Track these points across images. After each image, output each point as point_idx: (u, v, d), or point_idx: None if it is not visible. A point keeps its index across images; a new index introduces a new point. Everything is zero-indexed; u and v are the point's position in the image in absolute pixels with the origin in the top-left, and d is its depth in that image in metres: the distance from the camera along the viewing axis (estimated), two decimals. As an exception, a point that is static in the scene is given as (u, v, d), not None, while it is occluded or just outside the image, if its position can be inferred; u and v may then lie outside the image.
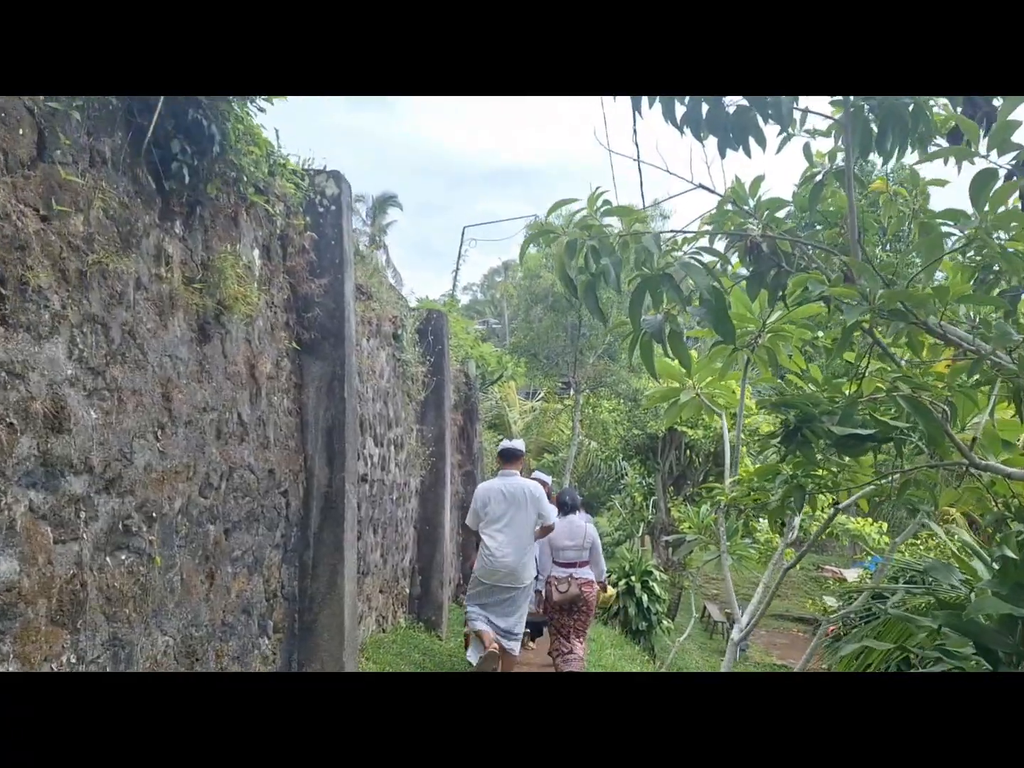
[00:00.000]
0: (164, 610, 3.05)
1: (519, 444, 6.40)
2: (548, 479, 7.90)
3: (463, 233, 15.58)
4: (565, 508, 6.64)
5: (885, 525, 14.40)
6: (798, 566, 13.22)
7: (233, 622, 3.70)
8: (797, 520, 5.78)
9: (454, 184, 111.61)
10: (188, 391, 3.23)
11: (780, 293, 3.14)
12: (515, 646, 5.85)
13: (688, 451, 15.33)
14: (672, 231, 2.89)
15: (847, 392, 3.65)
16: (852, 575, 18.85)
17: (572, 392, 10.57)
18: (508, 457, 6.15)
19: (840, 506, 5.35)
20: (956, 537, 3.57)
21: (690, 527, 9.59)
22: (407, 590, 7.60)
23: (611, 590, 7.87)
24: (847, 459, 3.93)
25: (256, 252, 4.05)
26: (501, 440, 18.42)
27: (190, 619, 3.26)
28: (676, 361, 3.18)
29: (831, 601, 21.85)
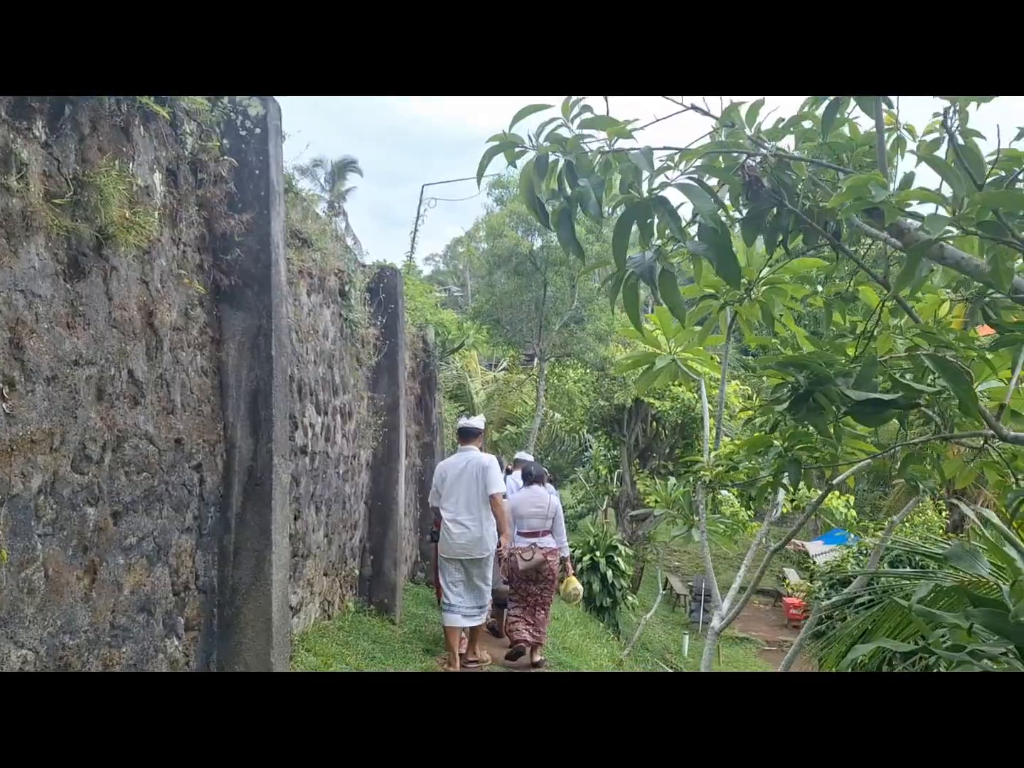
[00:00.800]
0: (17, 616, 2.38)
1: (477, 422, 6.57)
2: (529, 457, 7.85)
3: (422, 191, 14.74)
4: (529, 479, 6.96)
5: (852, 499, 14.19)
6: (763, 540, 12.90)
7: (127, 624, 3.04)
8: (781, 496, 5.27)
9: (420, 154, 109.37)
10: (51, 338, 2.53)
11: (780, 238, 2.57)
12: (479, 620, 6.18)
13: (655, 423, 14.88)
14: (667, 147, 2.26)
15: (852, 354, 3.10)
16: (814, 548, 18.76)
17: (536, 361, 9.94)
18: (465, 435, 6.38)
19: (836, 480, 4.83)
20: (990, 523, 3.09)
21: (657, 501, 9.33)
22: (357, 571, 6.98)
23: (575, 580, 7.50)
24: (858, 430, 3.39)
25: (158, 176, 3.32)
26: (463, 411, 17.90)
27: (60, 625, 2.60)
28: (666, 308, 2.58)
29: (792, 574, 21.85)
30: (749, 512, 10.76)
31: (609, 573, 12.27)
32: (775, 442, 3.35)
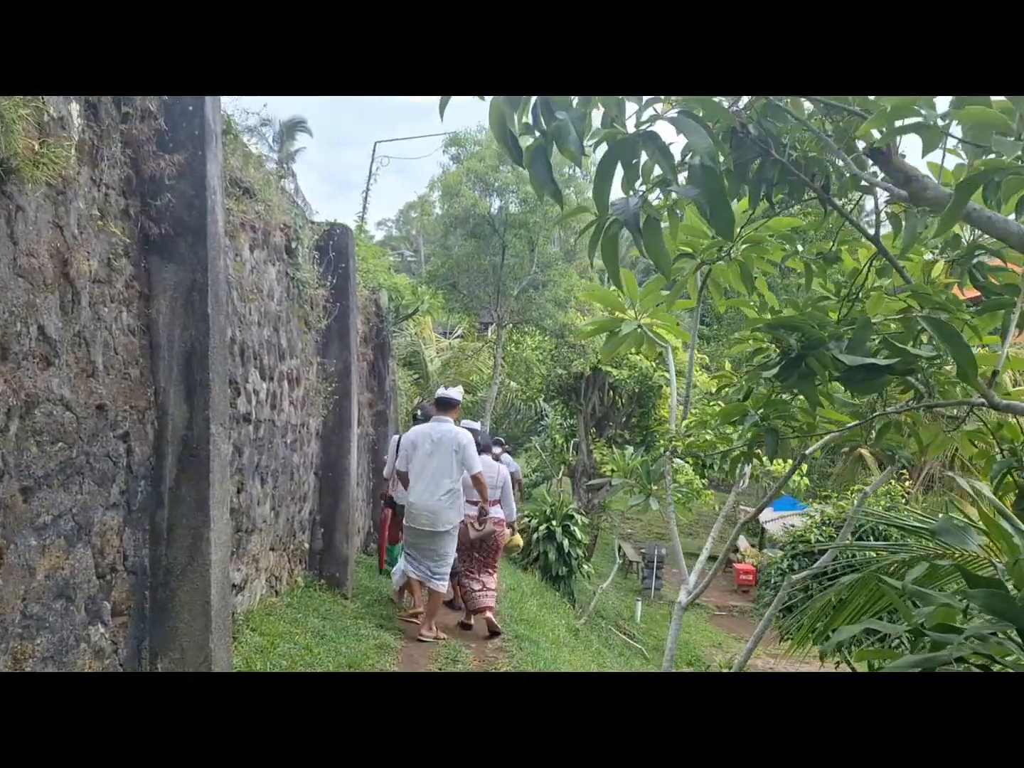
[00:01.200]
0: (-101, 612, 2.04)
1: (455, 393, 6.45)
2: (477, 426, 7.66)
3: (374, 148, 14.08)
4: (477, 448, 6.80)
5: (805, 467, 14.33)
6: (716, 506, 12.90)
7: (41, 612, 2.70)
8: (748, 468, 5.11)
9: (366, 116, 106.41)
10: (-63, 286, 2.15)
11: (764, 191, 2.35)
12: (440, 584, 6.19)
13: (611, 392, 14.75)
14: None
15: (835, 318, 2.92)
16: (764, 515, 19.03)
17: (493, 327, 9.60)
18: (442, 405, 6.27)
19: (809, 451, 4.67)
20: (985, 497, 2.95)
21: (615, 470, 9.36)
22: (306, 545, 6.66)
23: (517, 537, 8.13)
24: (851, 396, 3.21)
25: (75, 107, 2.91)
26: (417, 379, 17.53)
27: (-44, 618, 2.26)
28: (652, 257, 2.32)
29: (742, 541, 22.17)
30: (703, 480, 10.77)
31: (565, 542, 12.17)
32: (749, 411, 3.16)
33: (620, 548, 20.55)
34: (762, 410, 3.15)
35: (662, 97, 1.94)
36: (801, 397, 2.85)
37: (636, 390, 13.60)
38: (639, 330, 3.96)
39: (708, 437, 3.69)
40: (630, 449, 11.03)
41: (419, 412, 7.47)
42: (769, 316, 2.86)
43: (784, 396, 3.10)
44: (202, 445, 3.50)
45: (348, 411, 7.05)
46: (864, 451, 20.95)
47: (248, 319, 4.81)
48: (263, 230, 5.10)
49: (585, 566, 12.51)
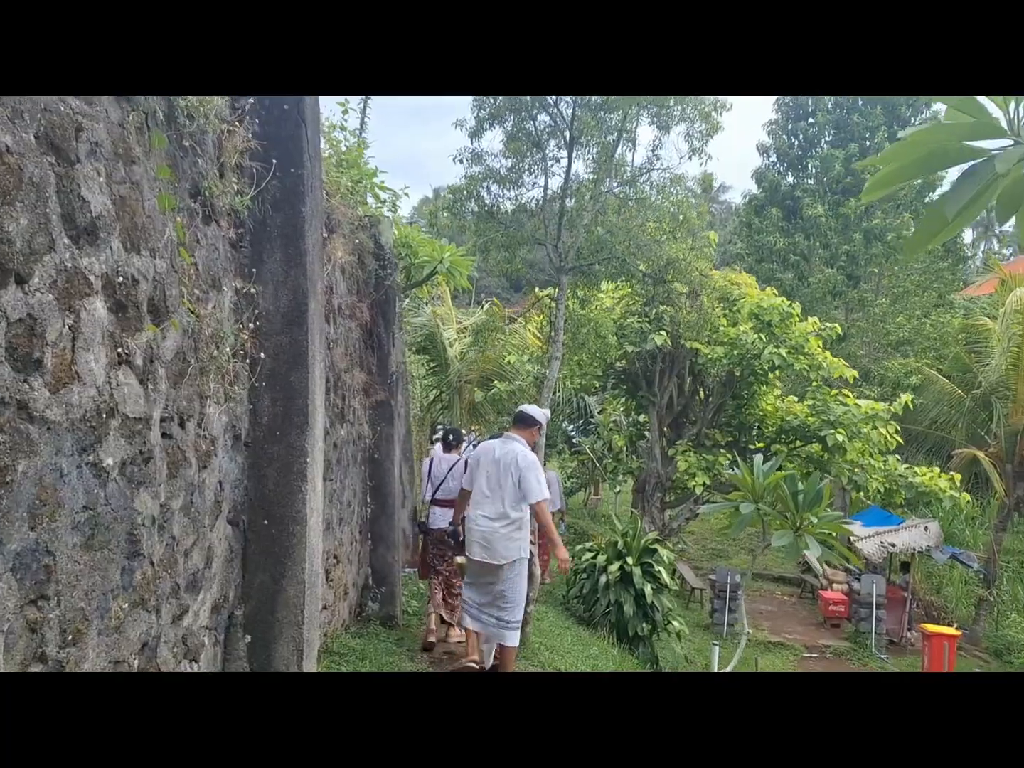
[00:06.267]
0: None
1: (537, 413, 5.48)
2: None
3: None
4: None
5: (958, 478, 10.60)
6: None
7: None
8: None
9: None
10: None
11: None
12: (511, 636, 5.14)
13: (694, 378, 11.08)
14: None
15: None
16: (857, 531, 15.17)
17: (555, 273, 6.01)
18: (518, 420, 5.47)
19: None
20: None
21: (735, 489, 6.72)
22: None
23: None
24: None
25: None
26: (434, 368, 14.00)
27: None
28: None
29: (813, 561, 18.37)
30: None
31: (647, 589, 8.54)
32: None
33: (675, 571, 16.78)
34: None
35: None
36: None
37: (734, 374, 9.91)
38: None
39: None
40: (759, 458, 7.65)
41: (451, 435, 6.63)
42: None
43: None
44: None
45: (304, 393, 3.44)
46: (979, 453, 17.20)
47: None
48: None
49: (675, 622, 8.83)
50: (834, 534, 7.15)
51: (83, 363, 2.08)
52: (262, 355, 3.35)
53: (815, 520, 6.60)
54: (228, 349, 3.13)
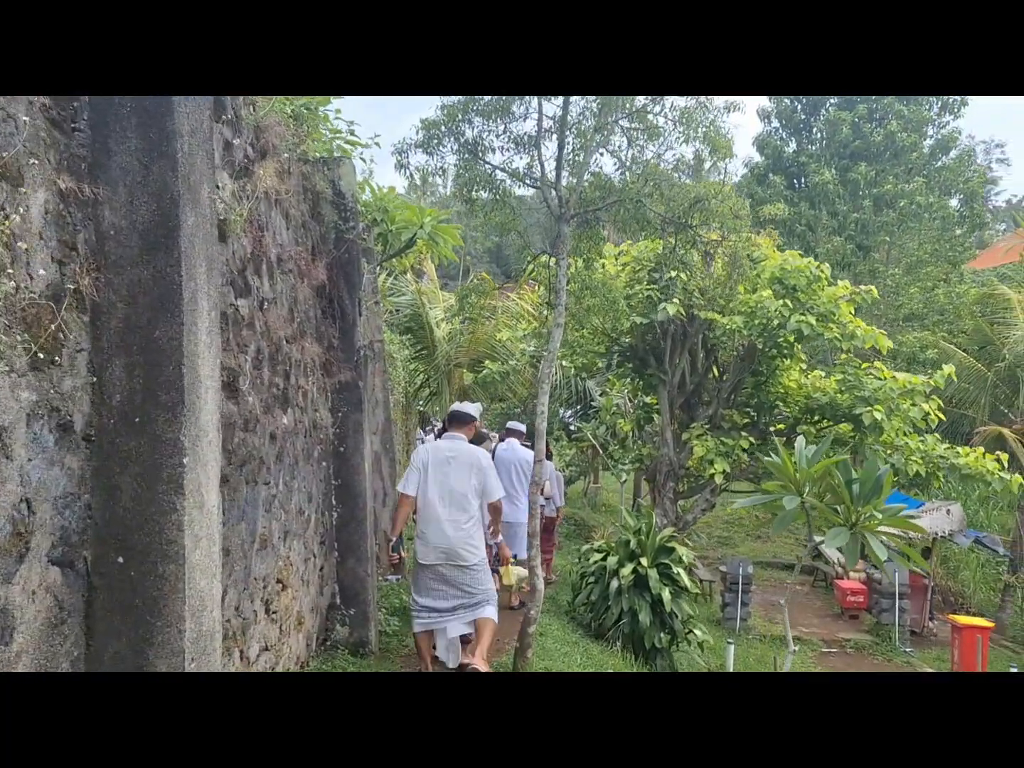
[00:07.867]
0: None
1: (471, 408, 5.50)
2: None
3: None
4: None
5: (1006, 458, 9.46)
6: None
7: None
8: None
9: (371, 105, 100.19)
10: None
11: None
12: (486, 611, 5.05)
13: (707, 353, 9.86)
14: None
15: None
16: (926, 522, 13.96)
17: (556, 221, 4.84)
18: (454, 420, 5.42)
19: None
20: None
21: (764, 477, 4.71)
22: None
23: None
24: None
25: None
26: (421, 351, 12.77)
27: None
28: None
29: (835, 553, 17.25)
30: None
31: (665, 594, 7.39)
32: None
33: (691, 570, 15.59)
34: None
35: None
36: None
37: (755, 346, 8.70)
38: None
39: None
40: (800, 441, 5.76)
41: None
42: None
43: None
44: None
45: (178, 355, 2.22)
46: (1005, 430, 16.14)
47: None
48: None
49: (697, 631, 7.67)
50: (901, 532, 5.99)
51: None
52: (110, 297, 2.11)
53: (878, 515, 5.44)
54: (42, 285, 1.90)
